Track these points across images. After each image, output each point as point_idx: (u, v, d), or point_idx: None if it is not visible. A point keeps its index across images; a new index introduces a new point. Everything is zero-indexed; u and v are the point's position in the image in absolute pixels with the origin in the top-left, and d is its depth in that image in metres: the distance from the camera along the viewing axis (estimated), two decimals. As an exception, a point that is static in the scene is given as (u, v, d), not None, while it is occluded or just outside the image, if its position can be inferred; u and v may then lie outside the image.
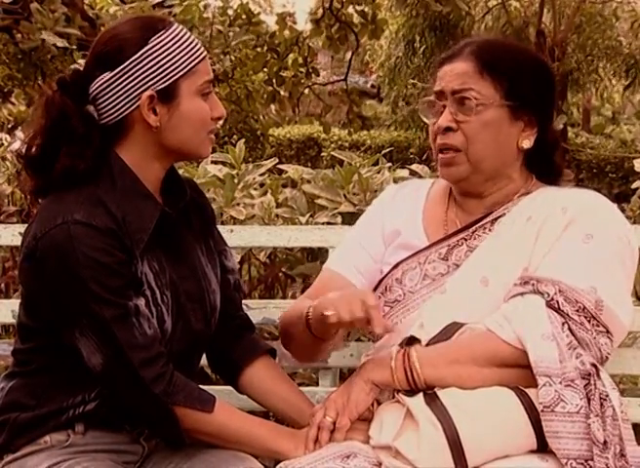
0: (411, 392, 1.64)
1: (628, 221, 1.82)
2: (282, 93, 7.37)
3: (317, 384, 2.24)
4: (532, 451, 1.59)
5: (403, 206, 1.91)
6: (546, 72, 1.83)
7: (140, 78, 1.66)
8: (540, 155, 1.82)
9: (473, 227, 1.81)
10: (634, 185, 3.33)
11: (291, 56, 7.44)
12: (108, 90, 1.67)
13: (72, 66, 1.77)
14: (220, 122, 1.78)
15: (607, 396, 1.58)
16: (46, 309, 1.67)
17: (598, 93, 18.13)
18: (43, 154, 1.69)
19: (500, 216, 1.80)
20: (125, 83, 1.67)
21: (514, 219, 1.78)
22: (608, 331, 1.67)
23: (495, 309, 1.69)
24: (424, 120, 1.89)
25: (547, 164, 1.84)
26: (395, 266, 1.84)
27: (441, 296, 1.77)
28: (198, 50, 1.71)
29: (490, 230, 1.80)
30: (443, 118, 1.77)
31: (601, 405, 1.57)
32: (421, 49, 15.98)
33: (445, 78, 1.78)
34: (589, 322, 1.65)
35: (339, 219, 2.89)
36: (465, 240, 1.81)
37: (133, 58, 1.66)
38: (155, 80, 1.67)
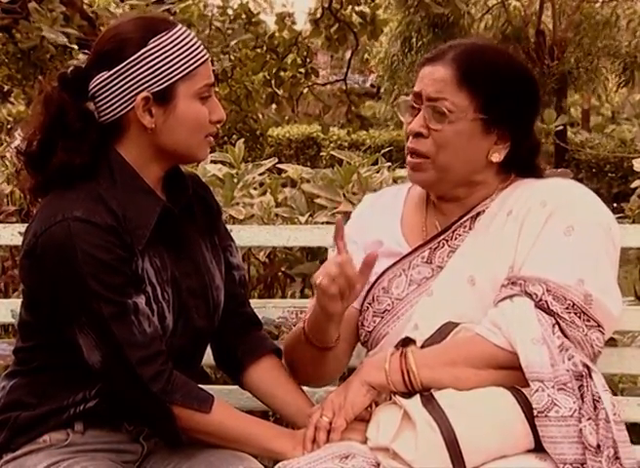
0: (407, 394, 1.64)
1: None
2: (281, 93, 7.37)
3: (316, 384, 2.24)
4: (529, 451, 1.59)
5: (381, 216, 1.91)
6: (529, 87, 1.80)
7: (136, 79, 1.66)
8: (518, 163, 1.81)
9: (453, 227, 1.81)
10: (633, 185, 3.32)
11: (290, 56, 7.44)
12: (106, 88, 1.68)
13: (71, 62, 1.77)
14: (219, 124, 1.77)
15: (600, 398, 1.57)
16: (46, 306, 1.67)
17: (597, 92, 18.13)
18: (42, 150, 1.69)
19: (478, 214, 1.80)
20: (122, 83, 1.67)
21: (494, 215, 1.78)
22: (599, 325, 1.66)
23: (484, 307, 1.69)
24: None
25: (527, 168, 1.83)
26: (380, 275, 1.84)
27: (429, 299, 1.77)
28: (199, 53, 1.70)
29: (470, 228, 1.79)
30: (415, 122, 1.76)
31: (594, 407, 1.57)
32: (418, 46, 15.95)
33: (424, 80, 1.76)
34: (580, 318, 1.65)
35: (338, 219, 2.88)
36: (446, 241, 1.80)
37: (131, 58, 1.66)
38: (152, 82, 1.66)
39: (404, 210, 1.90)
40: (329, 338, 1.75)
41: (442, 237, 1.81)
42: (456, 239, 1.80)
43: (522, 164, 1.81)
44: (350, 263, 1.63)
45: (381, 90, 18.09)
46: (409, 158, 1.79)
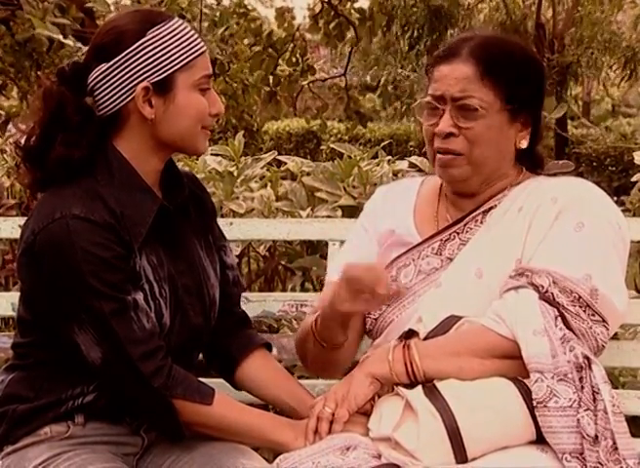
0: (411, 385, 1.64)
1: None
2: (278, 92, 7.36)
3: (317, 377, 2.24)
4: (531, 442, 1.60)
5: (394, 206, 1.91)
6: (540, 71, 1.83)
7: (136, 69, 1.66)
8: (529, 148, 1.82)
9: (465, 220, 1.82)
10: (634, 178, 3.32)
11: (286, 53, 7.42)
12: (105, 81, 1.68)
13: (71, 59, 1.77)
14: (217, 118, 1.77)
15: (599, 389, 1.58)
16: (44, 304, 1.67)
17: (598, 85, 18.10)
18: (40, 145, 1.69)
19: (491, 208, 1.80)
20: (121, 74, 1.67)
21: (506, 210, 1.79)
22: (604, 320, 1.67)
23: (490, 301, 1.70)
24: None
25: (533, 155, 1.85)
26: (389, 264, 1.84)
27: (437, 290, 1.78)
28: (197, 44, 1.70)
29: (481, 222, 1.80)
30: (444, 123, 1.75)
31: (593, 398, 1.57)
32: (408, 35, 15.76)
33: (444, 82, 1.75)
34: (585, 312, 1.66)
35: (339, 213, 2.89)
36: (458, 233, 1.81)
37: (129, 49, 1.66)
38: (151, 72, 1.67)
39: (417, 201, 1.91)
40: (337, 340, 1.77)
41: (453, 229, 1.81)
42: (467, 232, 1.80)
43: (530, 153, 1.83)
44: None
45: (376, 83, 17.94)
46: (439, 155, 1.78)
